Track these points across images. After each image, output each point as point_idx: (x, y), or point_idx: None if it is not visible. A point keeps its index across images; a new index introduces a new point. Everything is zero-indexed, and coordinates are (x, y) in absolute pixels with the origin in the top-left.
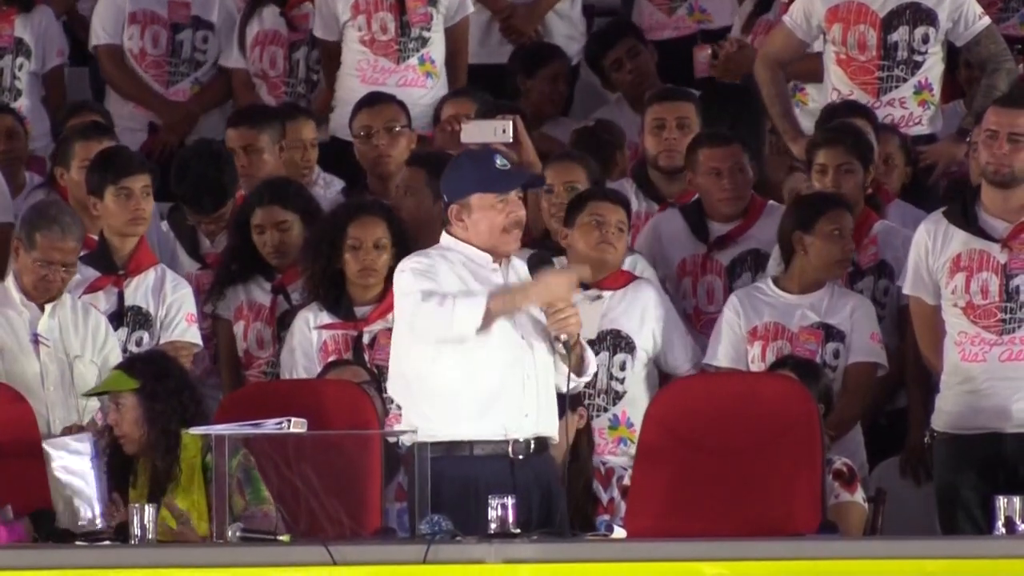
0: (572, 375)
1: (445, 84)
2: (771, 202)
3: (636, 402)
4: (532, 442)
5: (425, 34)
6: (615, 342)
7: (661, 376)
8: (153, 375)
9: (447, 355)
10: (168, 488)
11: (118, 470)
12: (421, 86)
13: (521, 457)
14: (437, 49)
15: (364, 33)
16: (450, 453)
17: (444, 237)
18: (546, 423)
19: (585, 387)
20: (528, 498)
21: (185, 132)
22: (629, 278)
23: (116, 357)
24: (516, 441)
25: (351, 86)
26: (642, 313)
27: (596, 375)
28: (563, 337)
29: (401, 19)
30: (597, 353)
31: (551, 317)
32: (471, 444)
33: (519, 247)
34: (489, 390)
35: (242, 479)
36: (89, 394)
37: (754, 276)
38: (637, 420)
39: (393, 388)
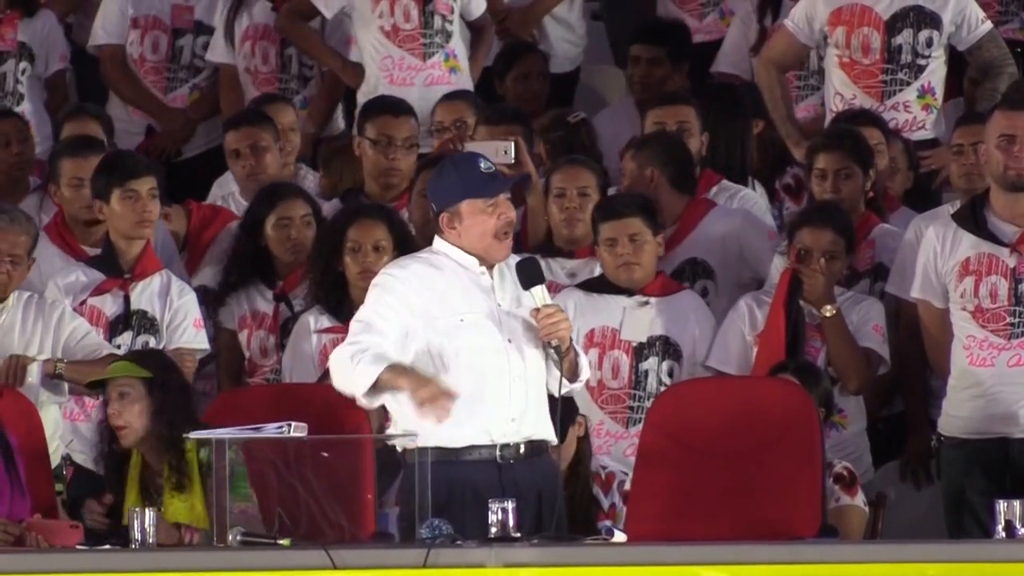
0: (565, 380)
1: (468, 77)
2: (720, 205)
3: None
4: (523, 446)
5: (448, 27)
6: (664, 348)
7: None
8: (162, 368)
9: (424, 362)
10: (165, 489)
11: (113, 465)
12: (447, 83)
13: (512, 461)
14: (458, 41)
15: (385, 21)
16: (438, 458)
17: (436, 241)
18: (538, 426)
19: (635, 390)
20: (521, 502)
21: (183, 139)
22: (677, 286)
23: (77, 339)
24: (505, 445)
25: (379, 88)
26: (688, 321)
27: (647, 378)
28: (554, 342)
29: (425, 8)
30: (647, 357)
31: (542, 322)
32: (457, 450)
33: (510, 253)
34: (471, 395)
35: None
36: (94, 382)
37: (693, 284)
38: None
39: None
